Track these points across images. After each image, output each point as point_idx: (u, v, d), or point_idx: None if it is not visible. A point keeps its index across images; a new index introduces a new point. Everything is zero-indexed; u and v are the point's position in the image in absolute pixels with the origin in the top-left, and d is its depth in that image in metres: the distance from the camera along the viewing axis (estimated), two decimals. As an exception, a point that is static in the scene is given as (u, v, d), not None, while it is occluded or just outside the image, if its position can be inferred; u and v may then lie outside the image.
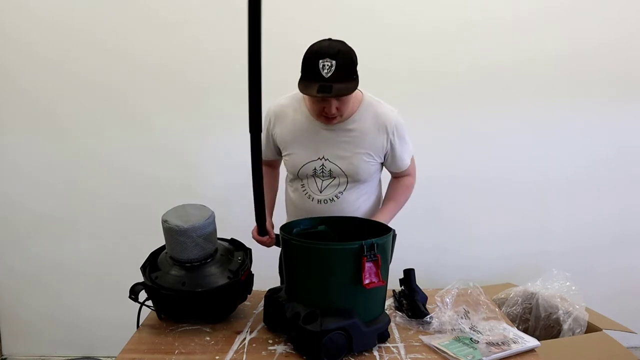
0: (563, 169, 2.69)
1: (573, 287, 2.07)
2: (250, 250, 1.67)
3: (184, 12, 2.54)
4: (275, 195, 1.98)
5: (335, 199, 1.76)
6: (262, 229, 1.76)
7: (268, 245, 1.83)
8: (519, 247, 2.74)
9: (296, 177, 1.81)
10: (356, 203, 1.79)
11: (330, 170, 1.73)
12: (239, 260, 1.60)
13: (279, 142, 1.81)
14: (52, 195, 2.74)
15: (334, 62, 1.48)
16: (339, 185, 1.75)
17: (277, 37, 2.54)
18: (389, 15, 2.54)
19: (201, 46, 2.56)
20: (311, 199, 1.78)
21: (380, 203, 1.91)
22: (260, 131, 1.50)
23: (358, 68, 1.58)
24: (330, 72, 1.48)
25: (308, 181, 1.79)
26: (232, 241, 1.71)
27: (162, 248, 1.65)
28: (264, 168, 1.84)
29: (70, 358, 2.80)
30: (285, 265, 1.46)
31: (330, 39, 1.56)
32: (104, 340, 2.81)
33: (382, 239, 1.35)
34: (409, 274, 1.64)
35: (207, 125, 2.66)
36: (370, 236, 1.34)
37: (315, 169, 1.74)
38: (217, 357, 1.36)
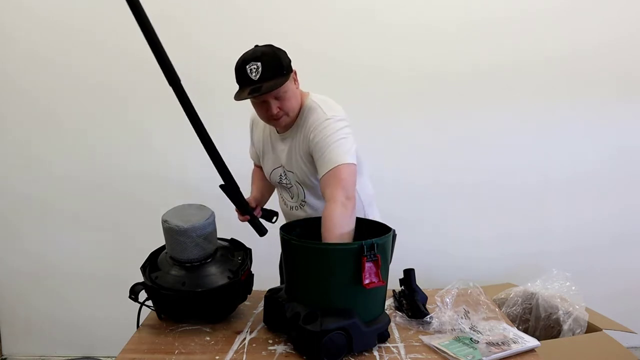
0: (563, 169, 2.69)
1: (573, 287, 2.07)
2: (250, 250, 1.67)
3: (184, 12, 2.54)
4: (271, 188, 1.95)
5: (301, 206, 1.76)
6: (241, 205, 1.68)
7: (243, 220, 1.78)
8: (519, 247, 2.74)
9: (273, 183, 1.84)
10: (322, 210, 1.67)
11: (288, 178, 1.74)
12: (239, 260, 1.60)
13: (256, 149, 1.85)
14: (52, 195, 2.74)
15: (259, 63, 1.50)
16: (298, 193, 1.74)
17: (277, 37, 2.52)
18: (389, 15, 2.53)
19: (202, 46, 2.55)
20: (286, 205, 1.82)
21: (363, 208, 1.78)
22: (178, 80, 1.47)
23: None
24: (258, 74, 1.50)
25: (281, 188, 1.81)
26: (232, 241, 1.72)
27: (162, 248, 1.65)
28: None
29: (70, 358, 2.80)
30: (285, 265, 1.46)
31: (256, 45, 1.57)
32: (104, 340, 2.81)
33: (382, 239, 1.35)
34: (409, 274, 1.64)
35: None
36: (370, 236, 1.34)
37: (280, 175, 1.76)
38: (217, 357, 1.36)
